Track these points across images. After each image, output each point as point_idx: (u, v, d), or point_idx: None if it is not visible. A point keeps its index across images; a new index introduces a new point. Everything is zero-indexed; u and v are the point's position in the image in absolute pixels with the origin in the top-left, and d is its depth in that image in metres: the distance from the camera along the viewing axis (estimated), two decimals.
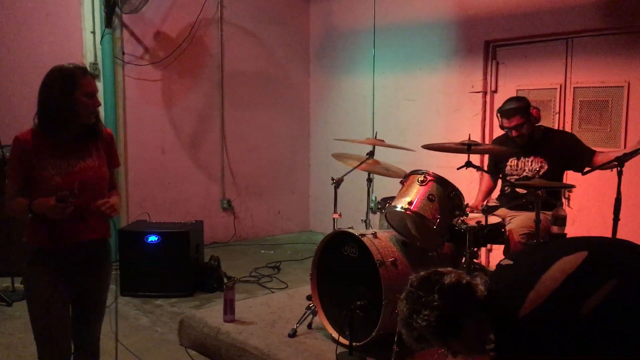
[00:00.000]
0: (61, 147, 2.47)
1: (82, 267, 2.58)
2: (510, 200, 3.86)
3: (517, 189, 3.78)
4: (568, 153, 3.85)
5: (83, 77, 2.45)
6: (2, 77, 5.50)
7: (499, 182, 4.14)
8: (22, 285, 4.60)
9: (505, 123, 3.87)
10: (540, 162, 3.88)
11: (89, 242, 2.56)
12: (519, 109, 3.84)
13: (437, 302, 1.85)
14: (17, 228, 4.60)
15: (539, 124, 4.00)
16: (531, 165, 3.91)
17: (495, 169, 4.13)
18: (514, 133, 3.86)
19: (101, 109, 5.72)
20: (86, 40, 5.75)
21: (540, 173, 3.85)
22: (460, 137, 3.62)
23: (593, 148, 3.84)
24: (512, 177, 3.96)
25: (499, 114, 3.94)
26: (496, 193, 4.25)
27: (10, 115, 5.22)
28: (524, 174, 3.91)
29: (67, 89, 2.40)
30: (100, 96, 5.70)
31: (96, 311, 2.70)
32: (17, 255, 4.47)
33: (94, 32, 5.75)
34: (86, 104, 2.44)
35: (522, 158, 3.95)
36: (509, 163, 4.00)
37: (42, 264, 2.50)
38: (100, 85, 5.77)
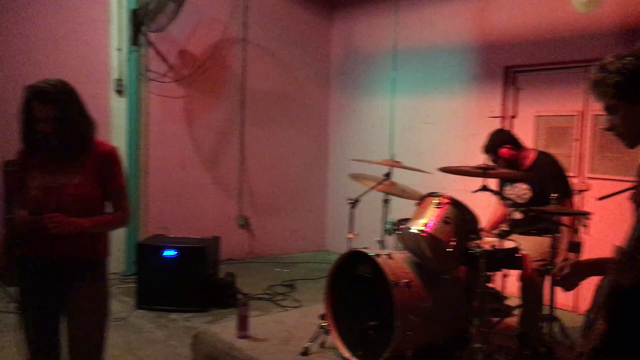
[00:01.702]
0: (49, 162, 2.47)
1: (66, 286, 2.50)
2: (519, 225, 3.86)
3: (515, 216, 3.77)
4: (544, 180, 3.77)
5: (33, 101, 2.38)
6: None
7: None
8: None
9: (487, 160, 3.92)
10: (525, 188, 3.87)
11: (68, 259, 2.47)
12: (491, 146, 3.92)
13: None
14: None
15: (530, 149, 4.02)
16: (518, 190, 3.91)
17: (500, 196, 4.13)
18: (500, 164, 3.88)
19: (124, 124, 5.92)
20: (113, 57, 5.90)
21: (525, 199, 3.84)
22: (477, 161, 3.64)
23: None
24: (508, 202, 3.98)
25: None
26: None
27: None
28: (512, 198, 3.92)
29: (25, 112, 2.40)
30: (124, 112, 5.94)
31: (80, 337, 2.52)
32: None
33: (120, 49, 5.90)
34: (42, 129, 2.39)
35: (514, 184, 3.95)
36: (505, 187, 4.01)
37: (27, 278, 2.48)
38: (124, 101, 5.91)
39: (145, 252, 4.90)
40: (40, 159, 2.48)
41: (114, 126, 5.91)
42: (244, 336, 3.75)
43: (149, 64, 6.10)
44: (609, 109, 1.78)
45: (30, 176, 2.45)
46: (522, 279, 3.52)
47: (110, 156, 2.57)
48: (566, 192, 3.79)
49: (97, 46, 5.88)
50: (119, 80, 5.88)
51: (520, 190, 3.90)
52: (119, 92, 5.90)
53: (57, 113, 2.38)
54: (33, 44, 5.65)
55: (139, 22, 5.79)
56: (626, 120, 1.76)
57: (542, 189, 3.72)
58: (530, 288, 3.54)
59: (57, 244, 2.43)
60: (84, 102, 2.53)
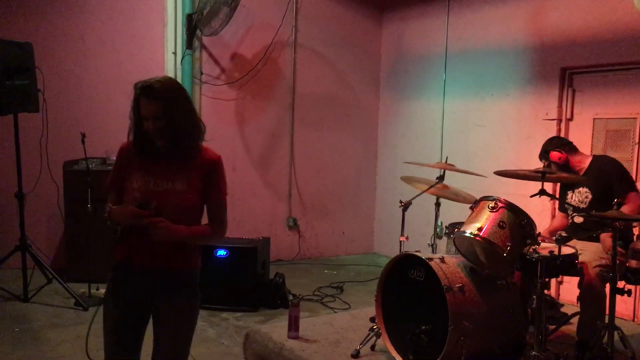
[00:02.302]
0: (155, 164, 2.38)
1: (156, 295, 2.40)
2: (579, 231, 3.76)
3: (575, 220, 3.69)
4: (604, 181, 3.72)
5: (141, 97, 2.30)
6: (89, 95, 5.86)
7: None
8: (98, 292, 4.83)
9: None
10: (586, 192, 3.80)
11: (161, 269, 2.37)
12: (541, 155, 3.94)
13: None
14: (94, 236, 4.88)
15: (584, 154, 4.01)
16: (580, 196, 3.83)
17: (562, 203, 4.05)
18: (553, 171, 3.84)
19: None
20: (168, 61, 6.05)
21: (586, 204, 3.75)
22: (530, 165, 3.58)
23: None
24: (569, 208, 3.90)
25: None
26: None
27: (97, 130, 5.52)
28: (574, 204, 3.83)
29: (134, 109, 2.33)
30: None
31: (165, 348, 2.41)
32: (94, 262, 4.78)
33: (175, 53, 6.05)
34: (147, 127, 2.31)
35: (575, 189, 3.89)
36: (567, 195, 3.95)
37: (120, 281, 2.42)
38: None
39: None
40: (145, 161, 2.38)
41: None
42: (294, 337, 3.77)
43: (202, 67, 6.23)
44: None
45: (132, 177, 2.37)
46: (582, 285, 3.42)
47: (215, 165, 2.45)
48: (634, 187, 3.74)
49: (153, 50, 6.05)
50: None
51: (582, 195, 3.82)
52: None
53: (161, 111, 2.27)
54: (91, 48, 5.86)
55: (193, 26, 5.93)
56: None
57: (604, 190, 3.64)
58: (590, 295, 3.44)
59: (153, 251, 2.33)
60: (193, 105, 2.44)
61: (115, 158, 2.49)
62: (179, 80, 6.02)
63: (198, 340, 4.24)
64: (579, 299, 3.45)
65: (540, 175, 3.13)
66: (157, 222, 2.24)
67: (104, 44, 5.86)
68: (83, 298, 4.84)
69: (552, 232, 3.96)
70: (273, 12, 6.61)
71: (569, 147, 3.93)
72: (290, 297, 5.07)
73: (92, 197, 4.80)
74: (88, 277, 4.92)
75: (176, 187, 2.35)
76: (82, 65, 5.85)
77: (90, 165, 5.00)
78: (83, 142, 4.71)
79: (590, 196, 3.78)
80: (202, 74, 6.21)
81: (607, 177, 3.73)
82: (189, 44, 5.99)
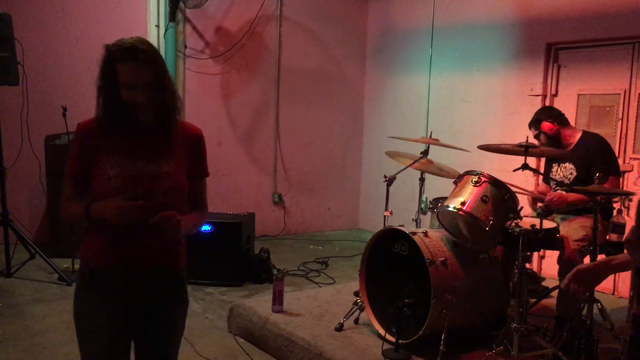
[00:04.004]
0: (130, 143, 1.95)
1: (144, 301, 2.02)
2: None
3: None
4: (590, 159, 3.73)
5: (121, 60, 1.87)
6: (71, 67, 5.75)
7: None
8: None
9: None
10: (571, 168, 3.81)
11: (151, 269, 1.99)
12: (531, 122, 3.92)
13: None
14: None
15: (576, 128, 4.01)
16: (565, 171, 3.85)
17: (546, 176, 4.07)
18: (542, 142, 3.84)
19: None
20: (150, 33, 5.95)
21: (570, 180, 3.77)
22: (515, 140, 3.57)
23: None
24: (552, 182, 3.92)
25: None
26: None
27: (80, 104, 5.42)
28: (558, 179, 3.85)
29: (107, 75, 1.91)
30: None
31: (155, 352, 2.10)
32: (77, 236, 4.74)
33: (158, 26, 5.96)
34: (126, 97, 1.89)
35: (561, 164, 3.89)
36: (552, 169, 3.95)
37: (95, 291, 1.97)
38: None
39: None
40: (119, 141, 1.95)
41: None
42: (279, 311, 3.79)
43: (186, 41, 6.14)
44: None
45: (105, 162, 1.92)
46: (562, 260, 3.46)
47: (200, 139, 2.10)
48: (616, 172, 3.76)
49: (135, 22, 5.94)
50: None
51: (567, 171, 3.83)
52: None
53: (152, 77, 1.90)
54: (73, 20, 5.74)
55: None
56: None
57: (588, 169, 3.65)
58: (570, 269, 3.47)
59: (144, 249, 1.95)
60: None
61: (73, 141, 2.01)
62: (162, 53, 5.94)
63: None
64: (559, 273, 3.49)
65: (523, 149, 3.14)
66: (169, 216, 1.84)
67: (84, 15, 5.75)
68: (66, 273, 4.82)
69: (540, 194, 3.99)
70: None
71: (560, 119, 3.90)
72: (275, 272, 5.08)
73: None
74: (71, 251, 4.90)
75: (163, 169, 1.96)
76: (63, 37, 5.73)
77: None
78: (64, 115, 4.64)
79: (575, 173, 3.80)
80: (185, 47, 6.13)
81: (592, 156, 3.74)
82: (172, 16, 5.89)
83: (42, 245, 5.31)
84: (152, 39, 5.93)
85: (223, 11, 6.34)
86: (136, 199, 1.84)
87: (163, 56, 5.34)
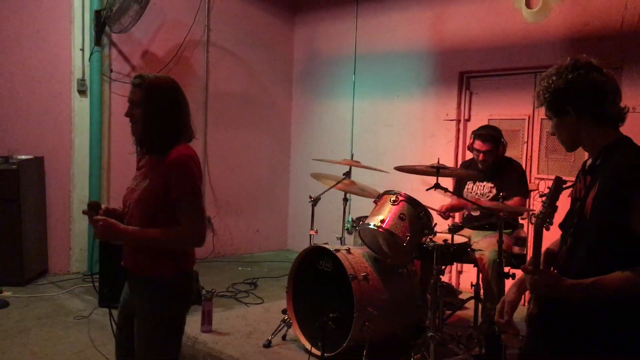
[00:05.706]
0: (142, 164, 2.44)
1: (132, 299, 2.39)
2: (473, 221, 4.09)
3: (472, 212, 4.02)
4: (509, 181, 4.10)
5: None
6: None
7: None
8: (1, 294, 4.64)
9: (477, 145, 4.11)
10: (491, 187, 4.14)
11: (132, 273, 2.38)
12: (494, 137, 4.15)
13: (568, 77, 1.91)
14: None
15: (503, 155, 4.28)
16: (483, 189, 4.16)
17: (459, 192, 4.36)
18: (481, 157, 4.10)
19: (86, 124, 5.92)
20: (75, 57, 5.90)
21: (488, 197, 4.10)
22: (434, 162, 3.84)
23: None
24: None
25: (473, 136, 4.18)
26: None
27: (1, 130, 5.33)
28: (476, 197, 4.16)
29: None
30: (87, 112, 5.94)
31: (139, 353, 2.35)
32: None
33: (82, 50, 5.91)
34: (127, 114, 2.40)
35: (477, 182, 4.20)
36: (467, 186, 4.25)
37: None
38: (86, 101, 5.92)
39: (107, 251, 4.93)
40: (139, 160, 2.45)
41: (77, 126, 5.91)
42: (207, 330, 3.86)
43: (112, 65, 6.12)
44: (548, 117, 2.00)
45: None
46: (481, 273, 3.73)
47: (174, 164, 2.27)
48: (525, 194, 4.16)
49: (60, 46, 5.87)
50: (82, 80, 5.89)
51: (485, 189, 4.13)
52: (82, 92, 5.91)
53: (137, 99, 2.33)
54: None
55: (102, 22, 5.82)
56: (558, 129, 1.98)
57: (505, 189, 3.99)
58: (486, 282, 3.75)
59: (125, 253, 2.37)
60: (178, 104, 2.44)
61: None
62: (87, 77, 5.91)
63: (109, 338, 4.19)
64: (483, 287, 3.74)
65: (435, 170, 3.40)
66: (95, 220, 2.20)
67: (6, 40, 5.64)
68: None
69: (452, 208, 4.26)
70: (185, 11, 6.60)
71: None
72: (204, 293, 5.11)
73: None
74: None
75: (141, 185, 2.31)
76: None
77: None
78: None
79: (494, 191, 4.10)
80: (111, 71, 6.11)
81: (509, 178, 4.11)
82: (97, 40, 5.88)
83: None
84: (77, 63, 5.90)
85: (150, 36, 6.38)
86: (96, 207, 2.26)
87: (88, 80, 5.27)
